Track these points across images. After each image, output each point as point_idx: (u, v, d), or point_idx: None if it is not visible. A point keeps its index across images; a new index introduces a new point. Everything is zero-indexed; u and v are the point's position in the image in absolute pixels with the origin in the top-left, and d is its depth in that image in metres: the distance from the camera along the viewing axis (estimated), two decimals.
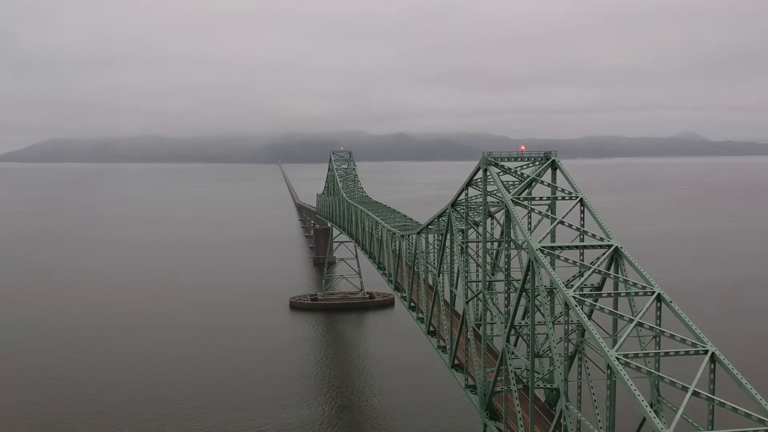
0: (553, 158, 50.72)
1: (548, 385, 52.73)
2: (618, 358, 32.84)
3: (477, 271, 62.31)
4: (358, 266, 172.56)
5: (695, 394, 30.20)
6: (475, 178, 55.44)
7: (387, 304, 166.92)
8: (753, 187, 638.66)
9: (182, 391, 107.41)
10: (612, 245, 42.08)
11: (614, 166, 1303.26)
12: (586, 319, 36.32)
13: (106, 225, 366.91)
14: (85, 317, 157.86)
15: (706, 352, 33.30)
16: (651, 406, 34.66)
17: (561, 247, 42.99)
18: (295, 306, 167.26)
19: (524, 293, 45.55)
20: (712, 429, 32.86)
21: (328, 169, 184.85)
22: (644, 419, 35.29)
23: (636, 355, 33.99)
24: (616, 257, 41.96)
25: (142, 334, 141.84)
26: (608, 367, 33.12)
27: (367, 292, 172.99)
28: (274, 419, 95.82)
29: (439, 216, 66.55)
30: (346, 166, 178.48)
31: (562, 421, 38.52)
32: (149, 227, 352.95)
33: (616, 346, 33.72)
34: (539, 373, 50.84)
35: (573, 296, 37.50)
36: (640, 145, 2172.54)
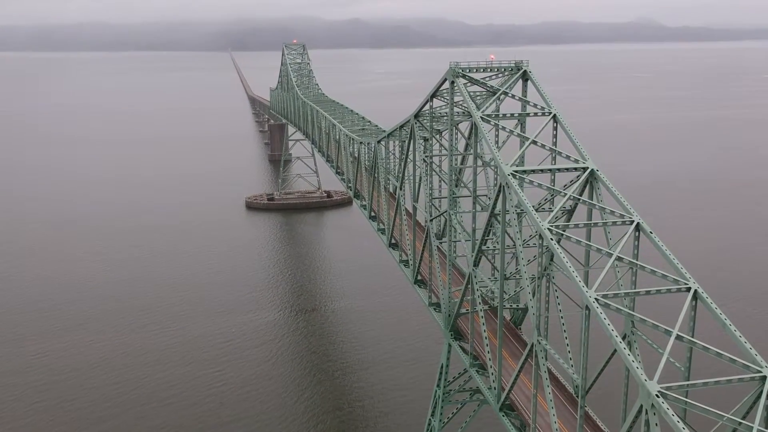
0: (524, 68, 47.16)
1: (514, 305, 51.50)
2: (597, 299, 30.83)
3: (440, 185, 59.52)
4: (315, 165, 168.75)
5: (678, 338, 28.47)
6: (440, 89, 51.52)
7: (345, 202, 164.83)
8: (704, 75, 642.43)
9: (139, 292, 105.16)
10: (588, 168, 39.48)
11: (571, 54, 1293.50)
12: (560, 251, 34.15)
13: (55, 120, 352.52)
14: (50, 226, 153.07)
15: (688, 289, 31.46)
16: (624, 338, 33.22)
17: (533, 171, 40.13)
18: (252, 206, 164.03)
19: (493, 217, 43.14)
20: (689, 374, 31.53)
21: (281, 63, 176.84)
22: (614, 351, 33.96)
23: (616, 295, 31.96)
24: (591, 180, 39.45)
25: (92, 238, 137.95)
26: (586, 307, 31.15)
27: (325, 191, 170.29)
28: (237, 324, 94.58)
29: (401, 127, 62.78)
30: (300, 61, 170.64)
31: (533, 353, 37.12)
32: (96, 124, 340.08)
33: (594, 286, 31.64)
34: (507, 293, 49.33)
35: (548, 228, 35.13)
36: (597, 31, 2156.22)
